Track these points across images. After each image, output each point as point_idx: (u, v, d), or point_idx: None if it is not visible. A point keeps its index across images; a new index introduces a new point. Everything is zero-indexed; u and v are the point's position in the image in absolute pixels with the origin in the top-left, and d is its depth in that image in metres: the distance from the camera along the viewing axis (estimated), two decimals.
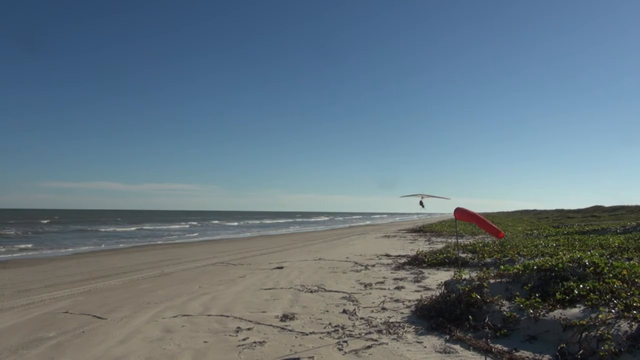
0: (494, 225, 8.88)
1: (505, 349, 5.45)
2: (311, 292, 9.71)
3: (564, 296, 6.19)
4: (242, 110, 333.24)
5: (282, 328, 6.74)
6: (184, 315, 7.75)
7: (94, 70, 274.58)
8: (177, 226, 60.41)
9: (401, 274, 12.13)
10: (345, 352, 5.59)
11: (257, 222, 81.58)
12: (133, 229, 52.69)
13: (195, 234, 43.74)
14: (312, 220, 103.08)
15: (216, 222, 79.28)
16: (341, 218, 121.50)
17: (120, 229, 50.21)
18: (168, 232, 47.55)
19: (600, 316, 5.24)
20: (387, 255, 17.21)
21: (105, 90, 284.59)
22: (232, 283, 11.30)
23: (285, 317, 7.37)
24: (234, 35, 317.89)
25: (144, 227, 55.77)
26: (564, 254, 9.86)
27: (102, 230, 47.66)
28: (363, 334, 6.31)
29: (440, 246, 20.41)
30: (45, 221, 70.59)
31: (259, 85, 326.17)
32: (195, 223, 71.38)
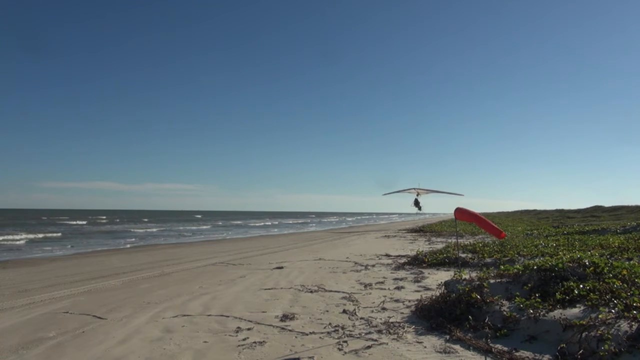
0: (495, 226, 8.82)
1: (505, 349, 5.45)
2: (311, 292, 9.71)
3: (564, 296, 6.19)
4: (242, 109, 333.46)
5: (282, 328, 6.74)
6: (184, 315, 7.75)
7: (94, 70, 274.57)
8: (207, 226, 62.05)
9: (401, 274, 12.13)
10: (345, 352, 5.59)
11: (277, 222, 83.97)
12: (162, 228, 54.11)
13: (224, 234, 45.50)
14: (327, 220, 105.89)
15: (239, 222, 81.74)
16: (352, 219, 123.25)
17: (152, 230, 51.34)
18: (200, 231, 49.43)
19: (600, 316, 5.24)
20: (387, 255, 17.20)
21: (105, 90, 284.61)
22: (232, 283, 11.30)
23: (285, 317, 7.37)
24: (234, 35, 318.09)
25: (178, 227, 57.42)
26: (564, 254, 9.86)
27: (133, 230, 48.55)
28: (363, 334, 6.31)
29: (440, 246, 20.41)
30: (74, 222, 70.32)
31: (259, 85, 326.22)
32: (220, 223, 74.21)
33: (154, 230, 50.76)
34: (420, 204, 32.50)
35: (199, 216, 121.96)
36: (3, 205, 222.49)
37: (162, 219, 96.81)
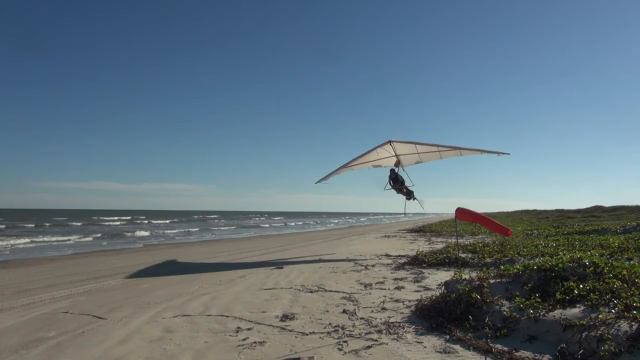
0: (500, 224, 8.64)
1: (505, 349, 5.45)
2: (311, 292, 9.71)
3: (564, 296, 6.19)
4: (242, 109, 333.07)
5: (282, 328, 6.74)
6: (184, 315, 7.75)
7: (93, 69, 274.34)
8: (232, 227, 62.69)
9: (401, 274, 12.12)
10: (345, 352, 5.59)
11: (301, 222, 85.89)
12: (193, 228, 54.90)
13: (252, 233, 47.42)
14: (342, 219, 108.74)
15: (259, 221, 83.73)
16: (365, 218, 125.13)
17: (185, 229, 52.38)
18: (229, 231, 51.08)
19: (600, 316, 5.24)
20: (387, 255, 17.20)
21: (104, 89, 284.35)
22: (232, 283, 11.30)
23: (285, 317, 7.37)
24: (234, 34, 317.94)
25: (209, 227, 59.08)
26: (564, 254, 9.85)
27: (166, 232, 48.85)
28: (363, 334, 6.31)
29: (440, 246, 20.40)
30: (106, 223, 69.63)
31: (259, 84, 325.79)
32: (243, 223, 75.99)
33: (188, 229, 51.85)
34: (409, 186, 16.99)
35: (215, 216, 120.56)
36: (3, 205, 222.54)
37: (183, 219, 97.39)
